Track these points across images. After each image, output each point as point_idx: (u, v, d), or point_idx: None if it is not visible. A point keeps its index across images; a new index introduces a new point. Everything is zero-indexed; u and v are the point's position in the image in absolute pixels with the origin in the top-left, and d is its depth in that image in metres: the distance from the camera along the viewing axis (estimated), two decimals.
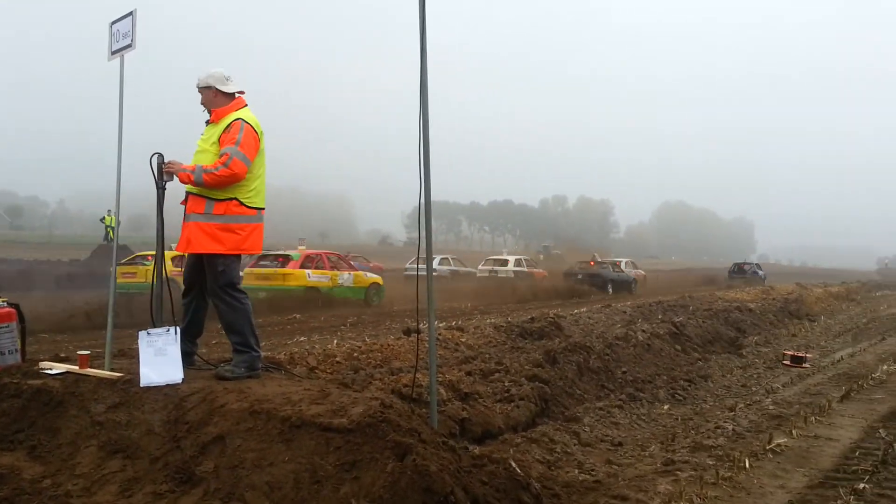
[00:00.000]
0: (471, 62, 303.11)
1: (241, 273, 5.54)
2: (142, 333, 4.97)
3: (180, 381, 4.80)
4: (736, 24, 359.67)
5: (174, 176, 5.27)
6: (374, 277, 23.57)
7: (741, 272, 46.49)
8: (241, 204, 5.27)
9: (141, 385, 4.75)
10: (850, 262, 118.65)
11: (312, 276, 20.35)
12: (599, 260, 36.57)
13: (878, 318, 20.77)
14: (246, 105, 5.47)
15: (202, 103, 5.45)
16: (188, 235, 5.27)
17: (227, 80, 5.43)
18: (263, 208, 5.47)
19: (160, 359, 4.87)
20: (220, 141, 5.24)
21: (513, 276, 33.06)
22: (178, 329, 5.07)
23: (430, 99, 4.95)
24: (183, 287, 5.54)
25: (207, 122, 5.48)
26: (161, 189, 5.32)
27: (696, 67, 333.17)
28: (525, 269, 34.61)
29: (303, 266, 20.32)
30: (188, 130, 5.96)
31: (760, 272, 46.73)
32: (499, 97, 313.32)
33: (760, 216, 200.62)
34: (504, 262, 35.69)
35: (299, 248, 22.34)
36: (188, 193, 5.33)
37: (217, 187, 5.18)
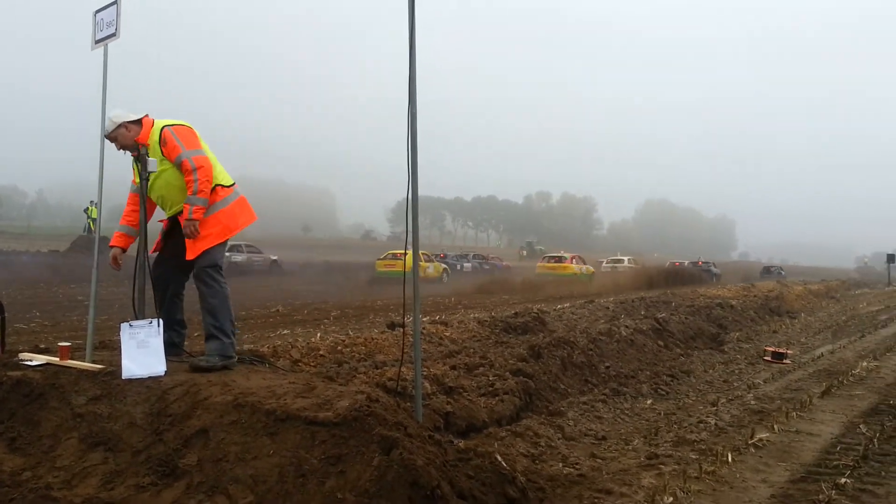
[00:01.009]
0: (456, 59, 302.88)
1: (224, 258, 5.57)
2: (124, 325, 4.92)
3: (163, 373, 4.75)
4: (721, 29, 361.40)
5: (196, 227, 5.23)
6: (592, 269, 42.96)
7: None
8: (223, 186, 5.42)
9: (123, 377, 4.68)
10: (829, 261, 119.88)
11: (576, 268, 39.81)
12: (704, 259, 57.76)
13: (857, 315, 20.99)
14: (153, 119, 5.48)
15: (123, 147, 5.36)
16: (198, 239, 5.25)
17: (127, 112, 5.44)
18: (234, 182, 5.60)
19: (142, 351, 4.81)
20: (165, 157, 5.28)
21: (628, 269, 46.40)
22: (160, 321, 5.02)
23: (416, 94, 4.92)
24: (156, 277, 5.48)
25: (137, 159, 5.37)
26: (144, 181, 5.27)
27: (677, 69, 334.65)
28: (632, 265, 49.46)
29: (572, 262, 40.37)
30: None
31: (714, 270, 53.64)
32: (484, 94, 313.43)
33: (741, 214, 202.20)
34: (620, 261, 51.73)
35: (563, 252, 45.14)
36: (168, 219, 5.42)
37: (208, 188, 5.24)
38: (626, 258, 52.87)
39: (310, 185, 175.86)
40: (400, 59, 4.99)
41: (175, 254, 5.42)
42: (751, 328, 16.20)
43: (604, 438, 6.43)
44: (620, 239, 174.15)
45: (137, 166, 5.35)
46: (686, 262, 54.14)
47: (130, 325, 4.92)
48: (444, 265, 39.32)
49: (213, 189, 5.32)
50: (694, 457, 5.68)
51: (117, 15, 5.70)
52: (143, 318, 5.14)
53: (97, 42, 5.87)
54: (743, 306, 18.75)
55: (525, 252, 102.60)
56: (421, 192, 4.91)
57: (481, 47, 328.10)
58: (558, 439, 6.24)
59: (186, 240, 5.24)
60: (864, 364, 10.54)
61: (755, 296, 22.52)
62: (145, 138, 5.32)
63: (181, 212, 5.28)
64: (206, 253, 5.26)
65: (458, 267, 47.88)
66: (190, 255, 5.25)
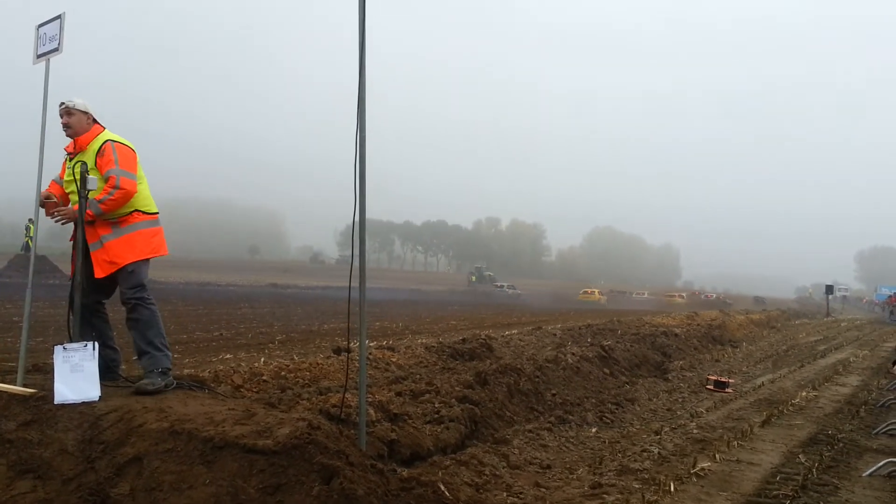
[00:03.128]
0: (406, 77, 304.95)
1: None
2: (57, 348, 4.76)
3: (97, 398, 4.60)
4: (670, 44, 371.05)
5: (67, 222, 5.30)
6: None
7: None
8: (143, 213, 5.46)
9: (55, 402, 4.54)
10: (770, 291, 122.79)
11: (599, 296, 61.37)
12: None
13: (797, 345, 21.49)
14: (104, 128, 5.56)
15: (69, 124, 5.40)
16: (109, 257, 5.26)
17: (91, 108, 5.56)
18: (158, 212, 5.67)
19: (76, 375, 4.66)
20: (97, 167, 5.32)
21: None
22: (96, 344, 4.86)
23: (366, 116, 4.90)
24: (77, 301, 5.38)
25: (70, 155, 5.48)
26: (84, 199, 5.15)
27: (626, 97, 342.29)
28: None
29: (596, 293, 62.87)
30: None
31: (514, 290, 65.46)
32: (434, 116, 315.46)
33: (686, 244, 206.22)
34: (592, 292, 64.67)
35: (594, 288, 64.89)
36: (84, 225, 5.29)
37: (115, 209, 5.29)
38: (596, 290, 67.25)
39: (258, 207, 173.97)
40: (350, 81, 4.98)
41: (88, 275, 5.35)
42: (694, 356, 16.45)
43: (549, 467, 6.42)
44: (568, 265, 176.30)
45: (69, 162, 5.44)
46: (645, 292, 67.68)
47: (64, 348, 4.76)
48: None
49: (131, 213, 5.38)
50: (637, 486, 5.69)
51: (60, 30, 5.60)
52: (78, 340, 4.98)
53: (39, 56, 5.74)
54: (687, 335, 19.04)
55: (475, 277, 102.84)
56: (369, 215, 4.89)
57: (429, 82, 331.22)
58: (503, 468, 6.21)
59: (94, 260, 5.26)
60: (804, 394, 10.77)
61: (699, 324, 22.91)
62: (88, 140, 5.39)
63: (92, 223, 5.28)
64: (131, 275, 5.31)
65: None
66: (99, 274, 5.25)
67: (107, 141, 5.37)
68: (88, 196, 5.16)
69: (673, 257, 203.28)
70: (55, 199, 5.40)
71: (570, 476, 6.11)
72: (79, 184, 5.17)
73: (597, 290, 65.50)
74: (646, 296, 74.71)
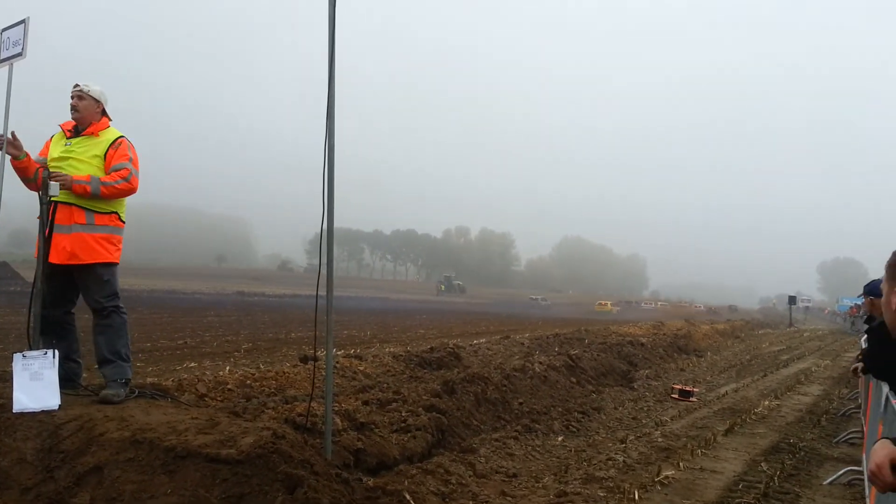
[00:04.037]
0: (374, 87, 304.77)
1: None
2: (17, 356, 4.68)
3: (57, 407, 4.52)
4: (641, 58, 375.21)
5: (60, 187, 5.10)
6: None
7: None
8: (119, 218, 5.44)
9: (14, 411, 4.46)
10: (734, 301, 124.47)
11: (612, 307, 76.66)
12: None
13: (760, 355, 21.78)
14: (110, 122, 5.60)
15: (79, 108, 5.39)
16: (72, 247, 5.14)
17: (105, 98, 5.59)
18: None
19: (36, 383, 4.58)
20: (106, 156, 5.32)
21: None
22: (56, 352, 4.78)
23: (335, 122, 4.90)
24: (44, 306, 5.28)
25: (76, 133, 5.42)
26: (45, 205, 5.09)
27: (594, 110, 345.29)
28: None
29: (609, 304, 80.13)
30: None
31: (546, 302, 79.81)
32: (403, 127, 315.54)
33: (652, 254, 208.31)
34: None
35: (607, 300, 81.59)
36: (55, 203, 5.18)
37: (109, 199, 5.28)
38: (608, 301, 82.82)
39: (226, 215, 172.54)
40: (319, 87, 4.98)
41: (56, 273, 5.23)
42: (660, 366, 16.59)
43: (515, 476, 6.42)
44: (537, 275, 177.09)
45: (64, 141, 5.38)
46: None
47: (24, 356, 4.68)
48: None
49: (111, 213, 5.35)
50: (602, 494, 5.72)
51: (24, 34, 5.51)
52: (38, 348, 4.90)
53: (2, 61, 5.64)
54: (653, 344, 19.21)
55: (444, 286, 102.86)
56: (338, 223, 4.88)
57: (404, 91, 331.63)
58: (469, 477, 6.20)
59: (55, 242, 5.12)
60: (766, 403, 10.91)
61: (664, 334, 23.13)
62: (99, 128, 5.41)
63: (68, 203, 5.16)
64: (106, 283, 5.27)
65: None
66: (54, 258, 5.10)
67: (123, 137, 5.44)
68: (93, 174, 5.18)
69: (640, 267, 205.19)
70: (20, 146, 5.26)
71: (536, 485, 6.12)
72: (40, 189, 5.10)
73: (609, 302, 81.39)
74: (654, 306, 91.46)
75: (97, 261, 5.21)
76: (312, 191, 4.91)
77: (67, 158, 5.28)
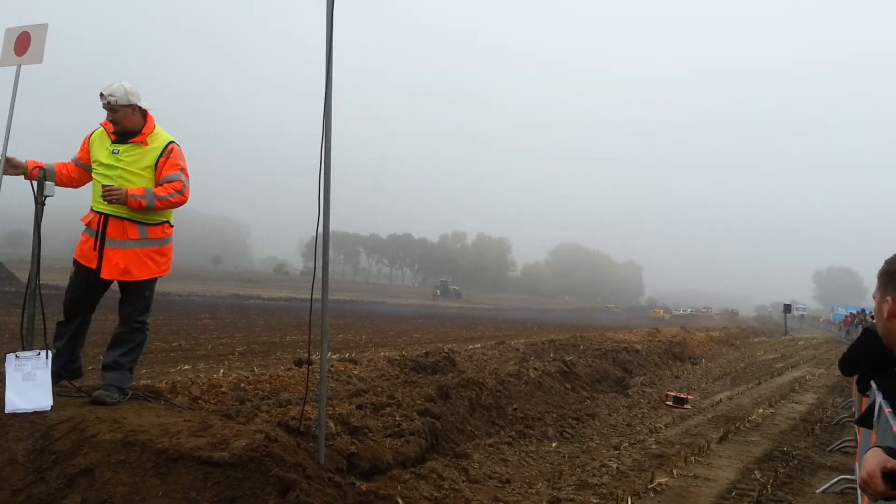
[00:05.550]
0: (374, 89, 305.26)
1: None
2: (10, 356, 4.67)
3: (49, 408, 4.50)
4: (635, 63, 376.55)
5: (114, 200, 4.96)
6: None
7: None
8: (171, 225, 5.33)
9: (6, 411, 4.44)
10: (730, 309, 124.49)
11: (663, 313, 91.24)
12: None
13: (754, 363, 21.80)
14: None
15: (117, 121, 5.12)
16: (125, 263, 5.05)
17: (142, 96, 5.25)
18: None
19: (28, 384, 4.57)
20: (157, 166, 5.13)
21: None
22: (50, 353, 4.77)
23: (332, 127, 4.90)
24: (64, 313, 5.28)
25: (122, 138, 5.14)
26: (40, 205, 5.08)
27: (595, 110, 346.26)
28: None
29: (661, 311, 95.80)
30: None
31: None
32: (402, 130, 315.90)
33: (649, 261, 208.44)
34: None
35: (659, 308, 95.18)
36: (107, 216, 5.04)
37: (161, 211, 5.17)
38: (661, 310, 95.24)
39: (222, 217, 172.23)
40: (317, 92, 4.98)
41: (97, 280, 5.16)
42: (654, 373, 16.59)
43: (508, 482, 6.41)
44: (533, 280, 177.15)
45: (109, 146, 5.13)
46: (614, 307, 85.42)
47: (17, 357, 4.66)
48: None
49: (163, 223, 5.23)
50: (595, 501, 5.72)
51: (41, 40, 5.50)
52: (31, 348, 4.89)
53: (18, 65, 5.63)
54: (648, 351, 19.21)
55: (439, 291, 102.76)
56: (335, 226, 4.87)
57: (399, 92, 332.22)
58: (463, 482, 6.18)
59: (108, 257, 5.00)
60: (760, 411, 10.92)
61: (660, 341, 23.12)
62: (148, 132, 5.17)
63: (120, 217, 5.04)
64: (146, 298, 5.25)
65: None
66: (105, 274, 5.02)
67: (173, 143, 5.24)
68: (147, 186, 5.04)
69: (636, 274, 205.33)
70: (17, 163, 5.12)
71: (530, 491, 6.11)
72: (35, 189, 5.08)
73: (661, 310, 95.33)
74: (709, 312, 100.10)
75: (148, 277, 5.17)
76: (309, 194, 4.91)
77: (116, 168, 5.08)
